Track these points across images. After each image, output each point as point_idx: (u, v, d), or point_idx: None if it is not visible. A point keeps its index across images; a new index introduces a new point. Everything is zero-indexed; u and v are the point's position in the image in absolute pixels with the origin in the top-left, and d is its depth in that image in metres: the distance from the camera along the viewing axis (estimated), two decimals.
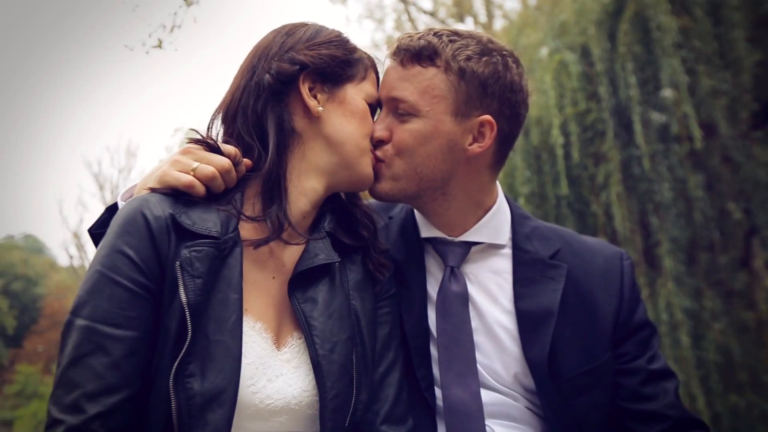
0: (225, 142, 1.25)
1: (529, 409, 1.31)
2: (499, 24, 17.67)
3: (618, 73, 7.06)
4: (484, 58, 1.33)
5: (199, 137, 1.21)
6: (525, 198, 8.77)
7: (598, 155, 7.36)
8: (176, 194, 1.13)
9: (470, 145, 1.35)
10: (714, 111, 6.65)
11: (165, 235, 1.07)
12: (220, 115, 1.27)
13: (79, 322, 1.02)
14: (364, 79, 1.31)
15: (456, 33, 1.35)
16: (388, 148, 1.35)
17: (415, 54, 1.33)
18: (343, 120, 1.25)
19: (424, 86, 1.31)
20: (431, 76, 1.31)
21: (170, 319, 1.04)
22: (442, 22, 19.05)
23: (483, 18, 18.53)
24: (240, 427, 1.07)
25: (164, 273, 1.06)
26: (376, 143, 1.35)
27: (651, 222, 7.10)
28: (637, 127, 6.78)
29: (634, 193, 7.26)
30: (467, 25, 19.01)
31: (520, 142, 9.03)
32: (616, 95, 7.11)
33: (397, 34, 21.17)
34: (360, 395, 1.16)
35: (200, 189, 1.14)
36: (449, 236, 1.41)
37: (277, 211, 1.17)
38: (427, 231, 1.44)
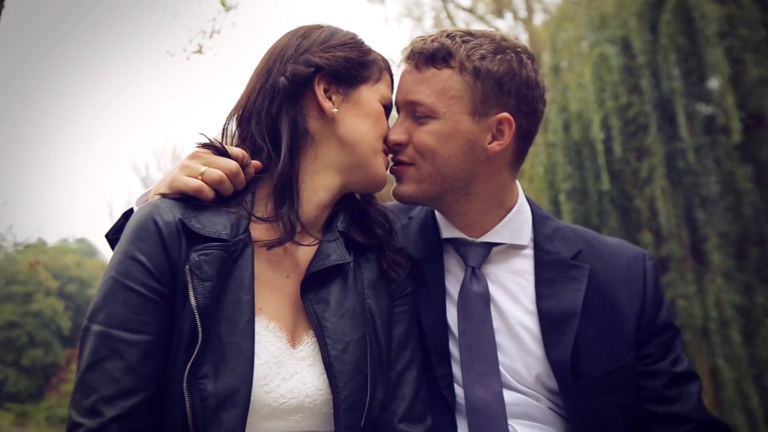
0: (238, 144, 1.26)
1: (551, 409, 1.30)
2: (539, 18, 17.43)
3: (660, 65, 6.90)
4: (498, 56, 1.32)
5: (207, 141, 1.22)
6: (566, 194, 8.63)
7: (641, 149, 7.21)
8: (186, 199, 1.15)
9: (490, 143, 1.33)
10: (762, 101, 6.43)
11: (176, 239, 1.08)
12: (236, 117, 1.28)
13: (95, 327, 1.04)
14: (378, 80, 1.30)
15: (469, 33, 1.35)
16: (409, 151, 1.35)
17: (429, 57, 1.33)
18: (358, 120, 1.25)
19: (440, 88, 1.32)
20: (447, 78, 1.32)
21: (183, 322, 1.06)
22: (481, 18, 18.90)
23: (522, 13, 18.32)
24: (255, 426, 1.08)
25: (176, 277, 1.07)
26: (395, 146, 1.36)
27: (697, 217, 6.92)
28: (681, 119, 6.61)
29: (679, 187, 7.08)
30: (507, 21, 18.81)
31: (560, 137, 8.89)
32: (659, 87, 6.95)
33: (435, 32, 21.08)
34: (375, 394, 1.16)
35: (209, 193, 1.15)
36: (470, 237, 1.41)
37: (288, 211, 1.18)
38: (448, 232, 1.43)
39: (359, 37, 1.31)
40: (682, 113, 6.65)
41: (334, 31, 1.30)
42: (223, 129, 1.29)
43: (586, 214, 7.78)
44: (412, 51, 1.36)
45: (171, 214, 1.11)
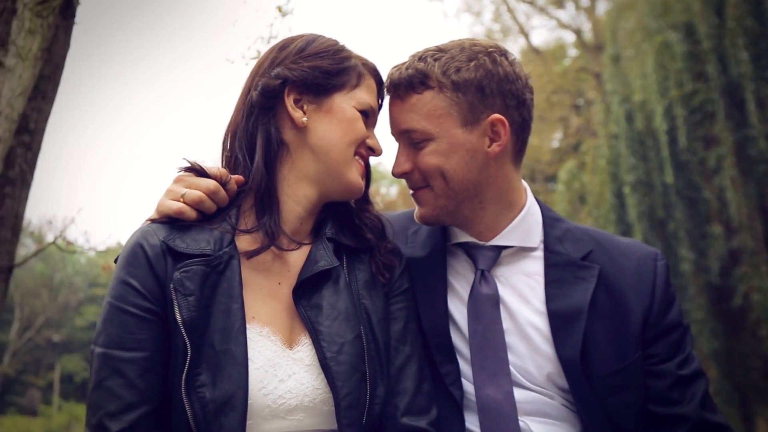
0: (225, 160, 1.31)
1: (565, 406, 1.29)
2: (602, 7, 16.99)
3: (727, 50, 6.62)
4: (472, 63, 1.33)
5: (187, 164, 1.28)
6: (630, 186, 8.40)
7: (708, 138, 6.94)
8: (172, 221, 1.21)
9: (489, 146, 1.35)
10: None
11: (162, 261, 1.16)
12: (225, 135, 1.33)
13: (98, 350, 1.13)
14: (356, 86, 1.31)
15: (439, 49, 1.38)
16: (417, 176, 1.39)
17: (408, 84, 1.36)
18: (329, 128, 1.27)
19: (426, 111, 1.35)
20: (430, 99, 1.35)
21: (177, 336, 1.12)
22: (542, 10, 18.59)
23: (585, 2, 17.91)
24: (259, 427, 1.13)
25: (165, 295, 1.14)
26: (403, 176, 1.40)
27: None
28: (751, 105, 6.32)
29: (750, 176, 6.78)
30: (568, 11, 18.43)
31: (623, 128, 8.65)
32: (726, 73, 6.66)
33: (496, 26, 20.85)
34: (376, 390, 1.20)
35: (190, 213, 1.21)
36: (480, 240, 1.43)
37: (269, 220, 1.22)
38: (458, 236, 1.45)
39: (340, 44, 1.33)
40: (752, 99, 6.37)
41: (311, 40, 1.32)
42: (223, 147, 1.33)
43: (651, 207, 7.55)
44: (390, 82, 1.39)
45: (156, 237, 1.18)
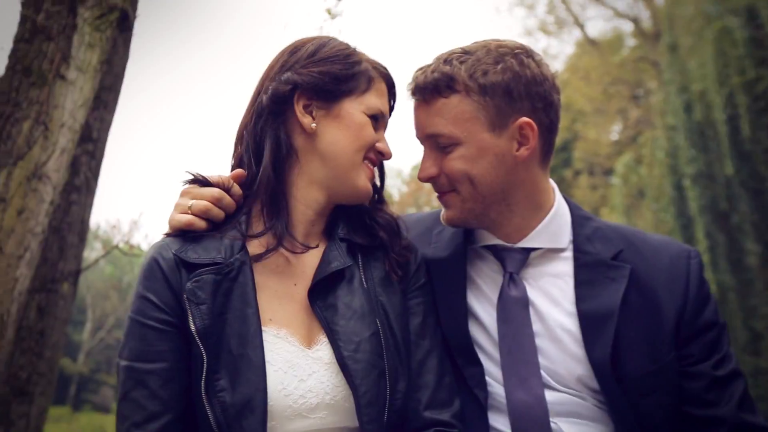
0: (234, 164, 1.34)
1: (597, 407, 1.27)
2: None
3: None
4: (499, 66, 1.31)
5: (191, 177, 1.31)
6: (691, 178, 8.13)
7: None
8: (184, 233, 1.25)
9: (517, 150, 1.32)
10: None
11: (176, 272, 1.20)
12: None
13: (122, 363, 1.18)
14: (366, 91, 1.31)
15: (465, 51, 1.36)
16: (443, 180, 1.38)
17: (433, 88, 1.34)
18: (338, 134, 1.28)
19: (453, 115, 1.33)
20: (457, 103, 1.33)
21: (193, 345, 1.17)
22: (599, 0, 18.17)
23: None
24: (283, 427, 1.16)
25: (181, 306, 1.18)
26: (428, 180, 1.40)
27: None
28: None
29: None
30: (624, 0, 17.94)
31: (681, 119, 8.38)
32: None
33: (549, 19, 20.47)
34: (396, 386, 1.21)
35: (200, 224, 1.25)
36: (509, 243, 1.41)
37: (277, 223, 1.24)
38: (485, 239, 1.43)
39: (351, 48, 1.33)
40: None
41: (322, 44, 1.32)
42: (234, 148, 1.36)
43: (713, 199, 7.28)
44: (415, 86, 1.38)
45: (169, 250, 1.22)
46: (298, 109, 1.27)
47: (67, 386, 27.80)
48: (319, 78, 1.27)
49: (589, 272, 1.38)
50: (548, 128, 1.37)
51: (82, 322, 30.38)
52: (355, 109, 1.29)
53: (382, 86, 1.35)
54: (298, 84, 1.27)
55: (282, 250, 1.25)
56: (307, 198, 1.30)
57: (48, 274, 4.44)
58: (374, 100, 1.32)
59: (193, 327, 1.16)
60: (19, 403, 4.34)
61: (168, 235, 1.27)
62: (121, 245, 4.29)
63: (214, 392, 1.15)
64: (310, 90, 1.27)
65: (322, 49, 1.31)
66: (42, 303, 4.45)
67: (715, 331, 1.35)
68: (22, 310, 3.89)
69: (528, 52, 1.36)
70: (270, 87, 1.28)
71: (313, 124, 1.28)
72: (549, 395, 1.32)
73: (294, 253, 1.27)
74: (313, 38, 1.36)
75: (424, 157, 1.41)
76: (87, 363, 30.08)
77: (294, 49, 1.33)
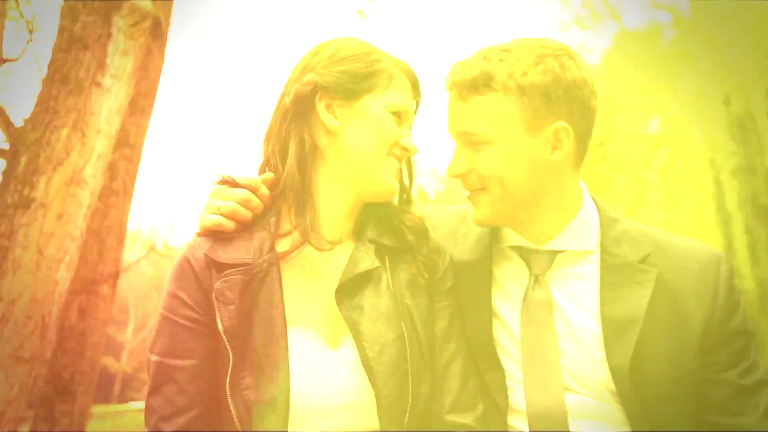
0: (262, 165, 1.36)
1: (620, 411, 1.29)
2: None
3: None
4: (539, 67, 1.29)
5: (219, 178, 1.34)
6: (731, 172, 7.93)
7: None
8: (215, 233, 1.28)
9: (551, 154, 1.31)
10: None
11: (206, 272, 1.23)
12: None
13: (153, 358, 1.23)
14: (387, 88, 1.31)
15: (505, 50, 1.33)
16: (474, 178, 1.36)
17: (471, 85, 1.32)
18: (360, 132, 1.29)
19: (489, 114, 1.31)
20: (493, 102, 1.31)
21: (220, 343, 1.19)
22: None
23: None
24: (305, 427, 1.18)
25: (211, 305, 1.21)
26: (457, 177, 1.38)
27: None
28: None
29: None
30: None
31: (720, 111, 8.18)
32: None
33: (585, 12, 20.18)
34: (420, 389, 1.21)
35: (228, 224, 1.27)
36: (535, 244, 1.40)
37: (304, 221, 1.27)
38: (512, 239, 1.42)
39: (371, 47, 1.34)
40: None
41: (342, 45, 1.34)
42: (263, 150, 1.37)
43: (753, 193, 7.10)
44: (453, 81, 1.36)
45: (200, 250, 1.26)
46: (320, 108, 1.30)
47: (111, 385, 28.45)
48: (339, 77, 1.29)
49: (615, 275, 1.35)
50: (584, 133, 1.35)
51: (125, 322, 31.04)
52: (376, 106, 1.31)
53: (404, 83, 1.36)
54: (319, 84, 1.29)
55: (309, 247, 1.27)
56: (333, 196, 1.32)
57: (88, 276, 4.59)
58: (396, 96, 1.33)
59: (220, 326, 1.19)
60: (62, 402, 4.50)
61: (199, 234, 1.31)
62: (158, 248, 4.41)
63: (238, 390, 1.17)
64: (331, 89, 1.29)
65: (343, 49, 1.33)
66: (82, 304, 4.60)
67: (744, 339, 1.33)
68: (63, 312, 4.02)
69: (569, 54, 1.33)
70: (293, 89, 1.31)
71: (336, 123, 1.30)
72: (570, 398, 1.31)
73: (321, 250, 1.28)
74: (335, 40, 1.38)
75: (454, 154, 1.40)
76: (130, 362, 30.74)
77: (316, 51, 1.36)
